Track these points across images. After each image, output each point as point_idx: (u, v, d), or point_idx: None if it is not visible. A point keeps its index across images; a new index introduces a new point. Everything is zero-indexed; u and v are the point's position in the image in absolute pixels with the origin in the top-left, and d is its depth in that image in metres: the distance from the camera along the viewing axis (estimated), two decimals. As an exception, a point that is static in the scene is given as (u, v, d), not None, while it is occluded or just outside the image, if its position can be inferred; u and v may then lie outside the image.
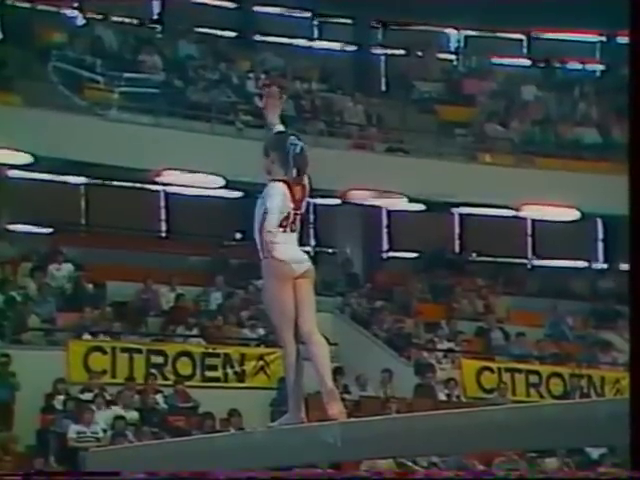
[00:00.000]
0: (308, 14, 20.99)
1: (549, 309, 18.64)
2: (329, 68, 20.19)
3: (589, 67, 22.28)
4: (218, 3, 20.46)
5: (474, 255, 20.46)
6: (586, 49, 22.30)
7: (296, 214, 6.16)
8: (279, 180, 6.14)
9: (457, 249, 20.63)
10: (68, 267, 15.99)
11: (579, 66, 22.12)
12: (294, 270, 6.07)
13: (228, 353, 15.35)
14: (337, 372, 15.53)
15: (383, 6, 19.98)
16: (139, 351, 14.87)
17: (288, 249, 6.07)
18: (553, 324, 18.53)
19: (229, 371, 15.24)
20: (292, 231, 6.13)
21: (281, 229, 6.07)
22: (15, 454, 13.05)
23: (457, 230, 20.74)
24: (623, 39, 22.02)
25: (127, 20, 19.20)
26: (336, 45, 20.97)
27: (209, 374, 15.12)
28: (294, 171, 6.20)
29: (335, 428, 6.22)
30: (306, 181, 6.37)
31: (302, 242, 6.29)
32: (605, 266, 21.08)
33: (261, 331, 16.24)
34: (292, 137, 6.32)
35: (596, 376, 16.91)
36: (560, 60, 21.89)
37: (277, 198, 6.06)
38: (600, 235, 21.23)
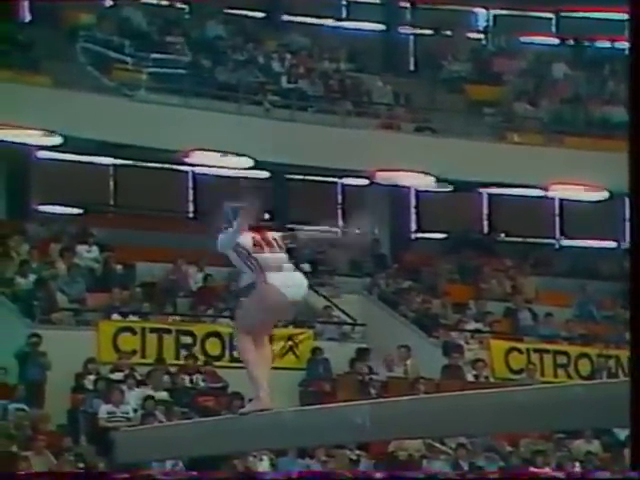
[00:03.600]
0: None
1: (577, 289, 18.57)
2: (357, 48, 20.12)
3: (618, 45, 22.10)
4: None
5: (502, 235, 20.39)
6: (615, 27, 22.12)
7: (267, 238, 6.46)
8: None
9: (485, 229, 20.57)
10: (97, 248, 16.07)
11: (608, 44, 21.94)
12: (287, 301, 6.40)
13: (269, 333, 15.32)
14: (368, 354, 15.58)
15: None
16: (168, 331, 14.94)
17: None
18: (581, 304, 18.46)
19: (258, 352, 15.25)
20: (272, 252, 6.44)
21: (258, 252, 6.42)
22: (46, 433, 13.16)
23: (485, 210, 20.66)
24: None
25: (155, 1, 19.20)
26: (365, 25, 20.89)
27: (238, 355, 15.13)
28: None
29: (364, 408, 6.24)
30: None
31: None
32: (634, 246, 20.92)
33: (290, 311, 16.24)
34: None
35: (624, 356, 16.84)
36: (589, 38, 21.73)
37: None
38: (629, 215, 21.07)
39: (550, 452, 13.96)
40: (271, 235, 6.51)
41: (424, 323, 16.75)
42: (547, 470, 13.57)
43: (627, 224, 21.05)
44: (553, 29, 22.04)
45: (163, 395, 13.93)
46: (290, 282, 6.43)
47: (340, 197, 19.86)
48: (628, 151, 4.03)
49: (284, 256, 6.47)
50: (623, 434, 13.81)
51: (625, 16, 22.10)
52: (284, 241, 6.50)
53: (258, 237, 6.47)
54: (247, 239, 6.42)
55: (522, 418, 5.58)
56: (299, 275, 6.51)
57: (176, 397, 14.01)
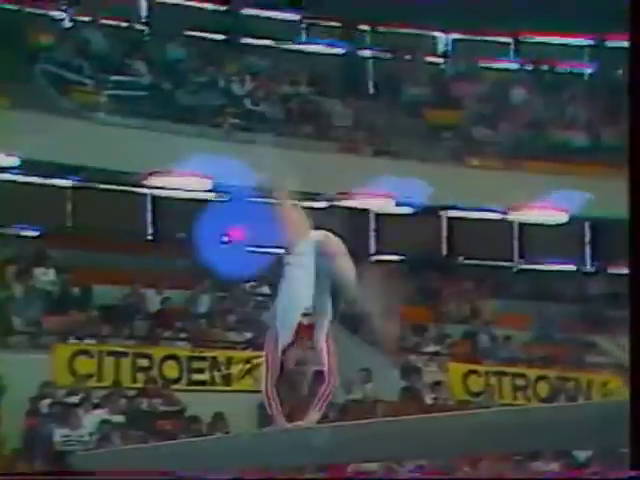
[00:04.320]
0: (296, 17, 20.99)
1: (536, 312, 18.66)
2: (317, 71, 20.19)
3: (578, 70, 22.32)
4: (206, 6, 20.43)
5: (461, 258, 20.47)
6: (575, 52, 22.35)
7: None
8: None
9: (445, 252, 20.64)
10: (54, 271, 15.95)
11: (568, 69, 22.15)
12: None
13: (215, 356, 15.32)
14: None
15: (371, 9, 19.98)
16: (125, 354, 14.83)
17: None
18: (540, 327, 18.54)
19: (216, 374, 15.22)
20: None
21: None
22: (1, 457, 12.99)
23: (445, 233, 20.74)
24: (612, 42, 22.08)
25: (115, 23, 19.16)
26: (324, 48, 20.96)
27: (196, 377, 15.10)
28: None
29: (323, 431, 6.20)
30: None
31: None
32: (593, 269, 21.11)
33: (248, 334, 16.22)
34: None
35: (583, 379, 16.93)
36: (549, 63, 21.92)
37: None
38: (588, 238, 21.26)
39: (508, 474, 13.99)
40: None
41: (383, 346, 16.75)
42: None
43: (587, 247, 21.24)
44: (512, 54, 22.20)
45: (120, 419, 13.81)
46: None
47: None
48: (628, 173, 4.05)
49: None
50: (583, 455, 13.86)
51: (584, 41, 22.35)
52: None
53: None
54: None
55: (481, 440, 5.57)
56: None
57: (133, 421, 13.90)
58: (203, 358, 15.23)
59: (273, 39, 20.58)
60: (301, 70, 19.85)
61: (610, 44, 22.16)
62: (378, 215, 19.96)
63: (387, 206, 18.75)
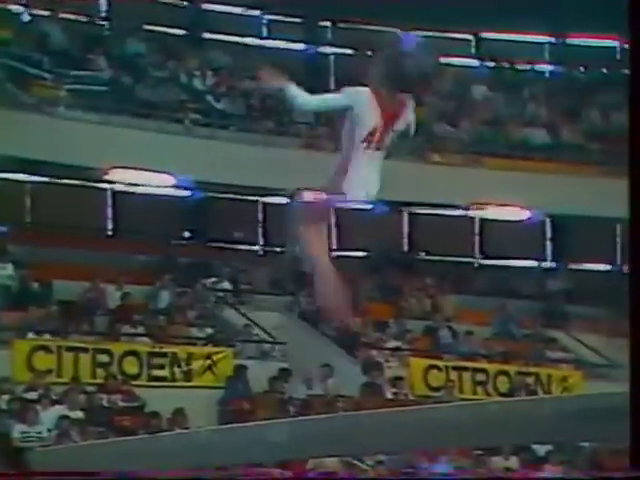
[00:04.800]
0: (258, 12, 20.93)
1: (497, 308, 18.73)
2: (279, 67, 20.11)
3: (538, 68, 22.43)
4: (167, 0, 20.33)
5: (423, 254, 20.52)
6: (535, 50, 22.45)
7: (387, 129, 5.44)
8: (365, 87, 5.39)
9: (406, 248, 20.68)
10: (12, 266, 15.83)
11: (528, 67, 22.25)
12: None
13: (175, 352, 15.27)
14: (286, 373, 15.58)
15: (332, 5, 19.96)
16: (85, 350, 14.74)
17: (360, 176, 5.46)
18: (501, 322, 18.62)
19: (176, 370, 15.17)
20: (377, 149, 5.44)
21: (364, 145, 5.41)
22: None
23: (406, 229, 20.78)
24: (572, 40, 22.20)
25: (75, 17, 19.02)
26: (286, 44, 20.92)
27: (156, 373, 15.04)
28: (393, 83, 5.38)
29: (282, 427, 6.18)
30: (408, 102, 5.50)
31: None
32: (553, 265, 21.24)
33: (209, 330, 16.19)
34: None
35: (543, 374, 17.03)
36: (509, 61, 22.01)
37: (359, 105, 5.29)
38: (548, 235, 21.37)
39: (469, 469, 14.04)
40: None
41: (345, 341, 16.77)
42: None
43: (547, 243, 21.35)
44: (473, 51, 22.26)
45: (79, 415, 13.73)
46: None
47: (261, 216, 19.84)
48: (628, 174, 4.06)
49: None
50: (542, 450, 13.94)
51: (545, 39, 22.44)
52: None
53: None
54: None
55: (441, 435, 5.57)
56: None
57: (92, 417, 13.82)
58: (163, 354, 15.18)
59: (234, 34, 20.51)
60: (262, 65, 19.77)
61: (570, 42, 22.28)
62: (339, 211, 19.93)
63: (348, 202, 18.72)
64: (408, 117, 5.53)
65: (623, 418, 4.73)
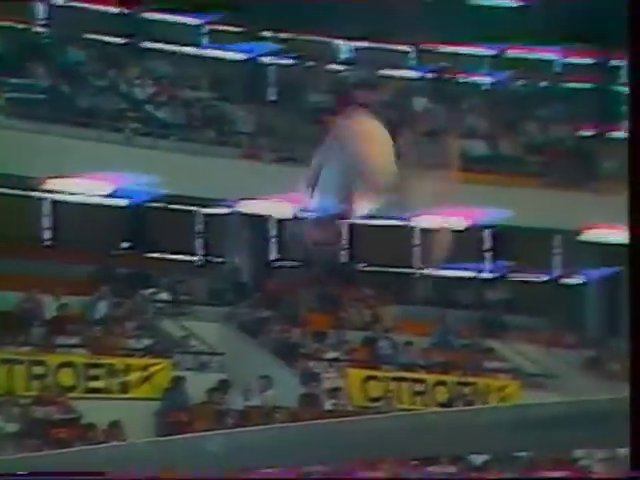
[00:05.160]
0: (198, 22, 20.86)
1: (436, 318, 18.82)
2: (219, 76, 20.09)
3: (478, 80, 22.61)
4: (107, 9, 20.20)
5: (362, 265, 20.56)
6: (475, 62, 22.62)
7: None
8: None
9: (346, 259, 20.70)
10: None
11: (468, 79, 22.43)
12: None
13: (112, 364, 15.14)
14: (225, 384, 15.52)
15: (274, 15, 19.96)
16: (19, 362, 14.56)
17: None
18: (440, 333, 18.70)
19: (113, 382, 15.04)
20: None
21: None
22: None
23: (346, 240, 20.80)
24: (511, 53, 22.40)
25: (13, 24, 18.83)
26: (226, 54, 20.88)
27: (92, 385, 14.90)
28: None
29: (219, 438, 6.14)
30: None
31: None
32: (492, 276, 21.39)
33: (147, 341, 16.07)
34: None
35: (481, 384, 17.13)
36: (449, 73, 22.16)
37: None
38: (487, 245, 21.52)
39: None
40: None
41: (283, 352, 16.75)
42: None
43: (486, 254, 21.49)
44: (414, 63, 22.38)
45: (13, 427, 13.55)
46: None
47: (200, 226, 19.77)
48: (628, 174, 4.08)
49: None
50: (479, 459, 14.01)
51: (485, 52, 22.61)
52: None
53: None
54: None
55: (379, 445, 5.56)
56: None
57: (27, 429, 13.65)
58: (100, 365, 15.04)
59: (175, 44, 20.43)
60: (203, 75, 19.74)
61: (509, 55, 22.48)
62: (280, 221, 19.95)
63: (288, 212, 18.73)
64: None
65: (559, 427, 4.76)
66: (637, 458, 3.98)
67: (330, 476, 12.01)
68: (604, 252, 20.88)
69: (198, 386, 15.38)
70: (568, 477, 13.64)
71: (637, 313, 3.95)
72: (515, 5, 21.17)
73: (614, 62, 22.81)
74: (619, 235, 19.85)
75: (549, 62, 22.63)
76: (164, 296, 17.55)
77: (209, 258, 19.77)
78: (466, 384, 16.96)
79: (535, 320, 19.99)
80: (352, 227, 20.64)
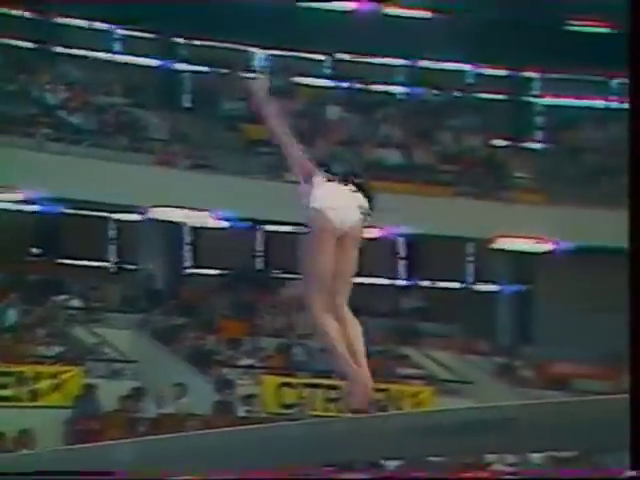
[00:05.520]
0: (112, 27, 20.69)
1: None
2: (133, 82, 19.95)
3: (392, 90, 22.77)
4: (18, 13, 19.92)
5: (278, 272, 20.55)
6: (389, 73, 22.78)
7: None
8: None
9: (261, 266, 20.68)
10: None
11: (382, 88, 22.57)
12: (335, 224, 5.34)
13: (22, 371, 14.90)
14: (138, 391, 15.39)
15: (188, 22, 19.88)
16: None
17: (332, 198, 5.37)
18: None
19: (22, 390, 14.81)
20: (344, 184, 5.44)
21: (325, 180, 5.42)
22: None
23: (261, 247, 20.79)
24: (425, 64, 22.61)
25: None
26: (140, 59, 20.74)
27: (1, 393, 14.64)
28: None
29: (132, 446, 6.09)
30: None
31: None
32: (406, 283, 21.54)
33: (58, 348, 15.86)
34: None
35: (395, 390, 17.22)
36: (363, 82, 22.28)
37: None
38: (402, 254, 21.67)
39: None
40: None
41: (197, 359, 16.68)
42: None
43: (400, 262, 21.62)
44: (328, 72, 22.47)
45: None
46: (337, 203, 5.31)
47: (113, 233, 19.61)
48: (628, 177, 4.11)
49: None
50: (392, 465, 14.08)
51: (399, 62, 22.76)
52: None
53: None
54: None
55: (292, 452, 5.56)
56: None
57: None
58: (9, 374, 14.79)
59: (87, 49, 20.23)
60: (116, 81, 19.58)
61: (422, 65, 22.69)
62: (194, 229, 19.86)
63: (203, 219, 18.66)
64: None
65: (471, 432, 4.79)
66: (637, 458, 4.02)
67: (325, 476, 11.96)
68: (516, 260, 21.16)
69: (110, 394, 15.22)
70: (569, 477, 13.76)
71: (637, 313, 4.01)
72: (429, 17, 21.38)
73: (526, 74, 23.16)
74: (530, 244, 20.15)
75: (462, 73, 22.88)
76: (76, 303, 17.36)
77: (122, 265, 19.61)
78: (380, 390, 17.03)
79: (449, 327, 20.17)
80: (267, 234, 20.66)
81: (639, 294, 3.98)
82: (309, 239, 5.47)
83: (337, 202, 5.45)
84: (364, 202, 5.52)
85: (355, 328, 5.50)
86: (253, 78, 5.71)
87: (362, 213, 5.49)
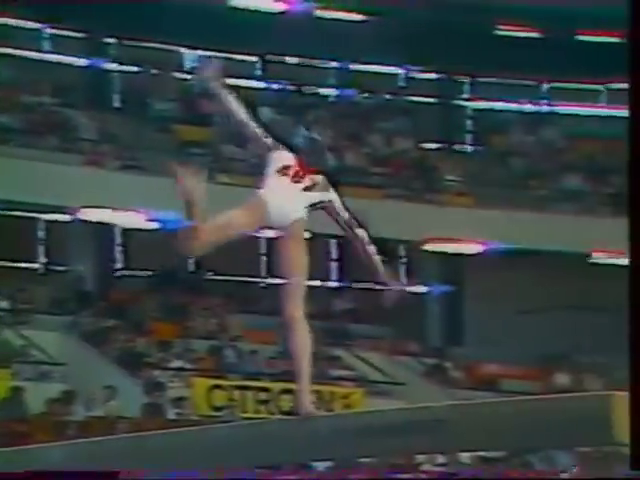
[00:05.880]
0: (40, 25, 20.45)
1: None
2: (61, 82, 19.75)
3: (323, 92, 22.82)
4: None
5: (209, 274, 20.49)
6: (320, 75, 22.83)
7: (301, 173, 5.55)
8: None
9: (192, 268, 20.60)
10: None
11: (313, 91, 22.60)
12: (271, 217, 5.41)
13: None
14: (66, 394, 15.24)
15: (118, 21, 19.73)
16: None
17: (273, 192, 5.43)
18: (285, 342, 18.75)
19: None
20: (294, 182, 5.50)
21: (278, 174, 5.53)
22: None
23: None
24: (355, 66, 22.69)
25: None
26: (70, 59, 20.53)
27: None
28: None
29: (59, 449, 6.04)
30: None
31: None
32: (337, 285, 21.60)
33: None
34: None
35: (325, 392, 17.25)
36: (294, 84, 22.30)
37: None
38: (333, 256, 21.73)
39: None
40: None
41: (127, 362, 16.56)
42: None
43: (332, 264, 21.66)
44: (259, 73, 22.45)
45: None
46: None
47: (42, 233, 19.41)
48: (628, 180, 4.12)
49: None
50: (322, 466, 14.11)
51: (330, 64, 22.80)
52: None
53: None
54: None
55: (222, 454, 5.55)
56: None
57: None
58: None
59: (16, 48, 19.99)
60: (45, 80, 19.37)
61: (353, 68, 22.77)
62: (124, 230, 19.71)
63: (135, 221, 18.54)
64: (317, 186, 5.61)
65: (402, 433, 4.82)
66: (637, 458, 4.05)
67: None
68: (445, 262, 21.32)
69: (38, 396, 15.06)
70: (569, 477, 13.84)
71: (637, 314, 4.05)
72: (361, 20, 21.46)
73: (456, 77, 23.35)
74: (460, 246, 20.31)
75: (393, 76, 23.00)
76: (4, 305, 17.15)
77: (51, 266, 19.41)
78: (311, 392, 17.06)
79: (379, 329, 20.26)
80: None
81: (639, 294, 4.03)
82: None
83: (278, 198, 5.50)
84: (316, 199, 5.57)
85: (307, 347, 5.69)
86: (205, 61, 5.68)
87: (313, 208, 5.55)
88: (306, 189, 5.57)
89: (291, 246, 5.50)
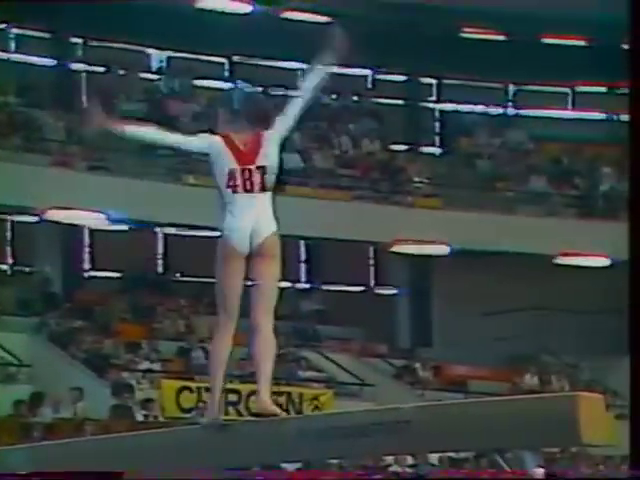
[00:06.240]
0: (5, 25, 20.31)
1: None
2: (27, 82, 19.63)
3: (290, 94, 22.79)
4: None
5: (177, 275, 20.44)
6: (288, 76, 22.82)
7: (247, 170, 5.37)
8: (215, 134, 5.38)
9: (160, 269, 20.54)
10: None
11: (281, 92, 22.57)
12: (237, 248, 5.34)
13: None
14: (33, 396, 15.15)
15: (84, 21, 19.64)
16: None
17: (236, 218, 5.33)
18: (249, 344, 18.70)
19: None
20: (247, 191, 5.36)
21: (230, 190, 5.36)
22: None
23: (160, 250, 20.65)
24: (325, 69, 22.67)
25: None
26: (35, 59, 20.42)
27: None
28: (241, 121, 5.45)
29: (25, 452, 6.02)
30: (266, 131, 5.49)
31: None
32: (307, 286, 21.62)
33: None
34: (239, 84, 5.62)
35: (295, 393, 17.25)
36: (262, 85, 22.26)
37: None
38: (302, 257, 21.74)
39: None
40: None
41: (95, 363, 16.49)
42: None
43: (301, 265, 21.67)
44: (227, 74, 22.43)
45: None
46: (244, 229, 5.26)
47: (8, 234, 19.31)
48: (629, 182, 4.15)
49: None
50: (291, 467, 14.11)
51: (299, 66, 22.79)
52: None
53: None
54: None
55: (189, 455, 5.55)
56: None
57: None
58: None
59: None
60: (9, 80, 19.25)
61: (324, 70, 22.74)
62: (92, 231, 19.63)
63: (101, 222, 18.46)
64: (267, 150, 5.45)
65: (370, 435, 4.84)
66: (637, 458, 4.07)
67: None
68: (413, 264, 21.37)
69: (5, 398, 14.98)
70: (569, 477, 13.85)
71: (637, 314, 4.07)
72: (328, 21, 21.48)
73: (423, 80, 23.41)
74: (427, 247, 20.36)
75: (360, 78, 23.03)
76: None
77: (18, 267, 19.30)
78: (280, 393, 17.03)
79: (348, 330, 20.28)
80: (167, 237, 20.52)
81: (639, 295, 4.06)
82: (216, 262, 5.48)
83: (245, 221, 5.39)
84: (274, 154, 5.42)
85: (267, 351, 5.51)
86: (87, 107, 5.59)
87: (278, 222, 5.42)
88: (262, 188, 5.41)
89: (266, 261, 5.47)
